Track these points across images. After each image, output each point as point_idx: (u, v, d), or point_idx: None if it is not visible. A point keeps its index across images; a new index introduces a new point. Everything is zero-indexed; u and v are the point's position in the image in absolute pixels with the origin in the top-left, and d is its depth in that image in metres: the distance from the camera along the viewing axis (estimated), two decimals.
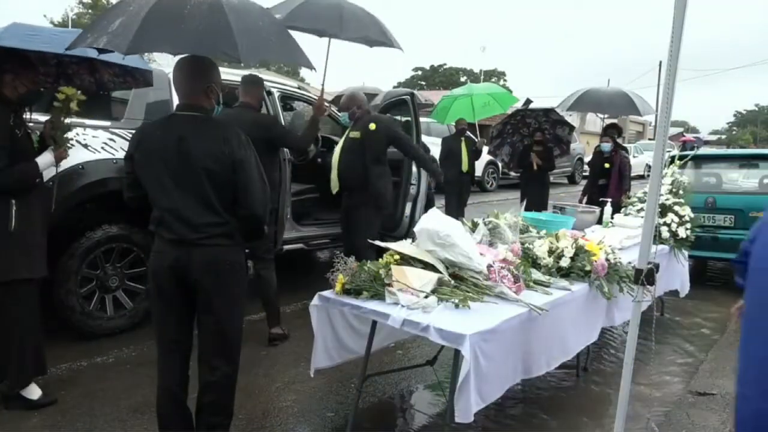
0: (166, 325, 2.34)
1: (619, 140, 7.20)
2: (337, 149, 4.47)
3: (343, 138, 4.51)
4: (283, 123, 5.05)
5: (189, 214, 2.21)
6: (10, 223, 2.85)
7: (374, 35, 4.04)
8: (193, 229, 2.21)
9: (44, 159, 3.05)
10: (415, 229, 2.85)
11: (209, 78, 2.32)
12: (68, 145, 3.21)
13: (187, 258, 2.22)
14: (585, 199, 6.90)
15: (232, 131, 2.29)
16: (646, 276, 2.21)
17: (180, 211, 2.22)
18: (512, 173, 11.89)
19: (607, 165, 6.73)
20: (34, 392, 3.06)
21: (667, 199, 4.47)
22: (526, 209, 4.20)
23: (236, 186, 2.25)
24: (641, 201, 4.77)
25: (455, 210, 7.31)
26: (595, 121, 10.96)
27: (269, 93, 5.09)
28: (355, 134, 4.30)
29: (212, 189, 2.22)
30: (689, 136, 33.61)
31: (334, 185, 4.44)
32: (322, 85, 4.53)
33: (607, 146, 6.79)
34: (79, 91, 3.20)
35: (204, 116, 2.30)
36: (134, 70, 3.47)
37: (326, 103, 4.54)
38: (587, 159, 12.24)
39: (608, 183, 6.65)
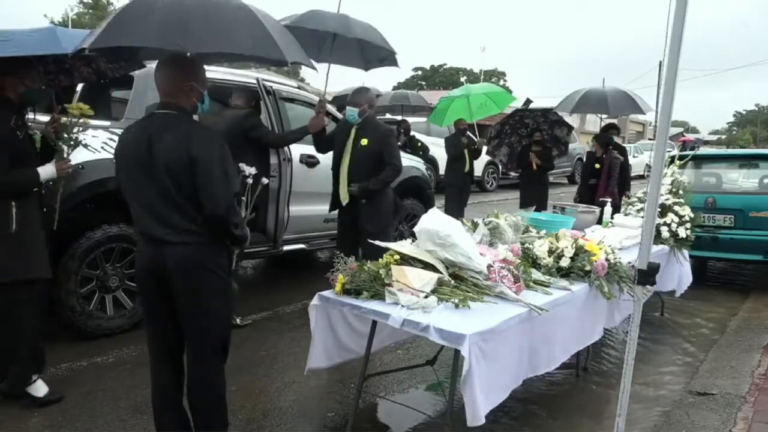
0: (153, 325, 2.34)
1: (618, 140, 7.22)
2: (346, 159, 4.08)
3: (350, 145, 4.07)
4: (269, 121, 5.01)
5: (159, 214, 2.18)
6: (10, 225, 2.85)
7: (379, 41, 4.31)
8: (164, 229, 2.18)
9: (46, 170, 3.01)
10: (415, 229, 2.85)
11: (189, 76, 2.25)
12: (68, 158, 3.15)
13: (161, 258, 2.20)
14: (577, 199, 7.01)
15: (199, 129, 2.21)
16: (646, 276, 2.21)
17: (152, 211, 2.19)
18: (512, 173, 11.91)
19: (597, 165, 6.85)
20: (40, 390, 3.06)
21: (667, 199, 4.47)
22: (526, 209, 4.19)
23: (194, 185, 2.14)
24: (641, 201, 4.77)
25: (456, 210, 7.30)
26: (596, 121, 10.96)
27: (269, 93, 5.09)
28: (365, 141, 4.02)
29: (175, 188, 2.15)
30: (689, 136, 33.65)
31: (345, 197, 4.09)
32: (323, 97, 4.53)
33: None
34: (88, 107, 3.22)
35: (176, 114, 2.22)
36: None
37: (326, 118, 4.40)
38: None
39: (598, 183, 6.75)
